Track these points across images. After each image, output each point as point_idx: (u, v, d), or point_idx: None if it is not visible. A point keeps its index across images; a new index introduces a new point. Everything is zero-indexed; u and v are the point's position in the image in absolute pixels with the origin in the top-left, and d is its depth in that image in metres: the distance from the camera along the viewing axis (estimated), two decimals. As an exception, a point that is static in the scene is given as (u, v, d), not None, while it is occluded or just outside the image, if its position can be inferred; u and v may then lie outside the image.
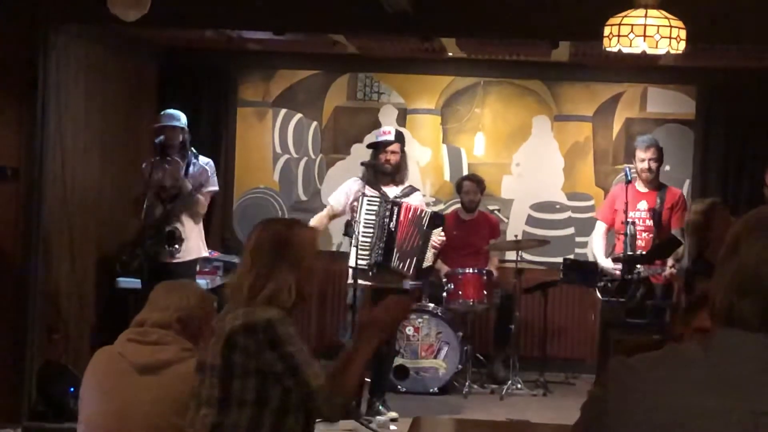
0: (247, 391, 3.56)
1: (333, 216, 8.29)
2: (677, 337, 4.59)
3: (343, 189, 8.27)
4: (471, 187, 9.73)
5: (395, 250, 8.00)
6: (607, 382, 2.01)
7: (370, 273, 7.97)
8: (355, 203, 8.01)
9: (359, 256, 7.84)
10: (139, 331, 4.13)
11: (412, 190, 8.32)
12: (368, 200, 7.96)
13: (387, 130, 8.26)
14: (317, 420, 3.73)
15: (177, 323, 4.10)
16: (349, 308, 8.08)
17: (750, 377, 1.87)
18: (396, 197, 8.13)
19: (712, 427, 1.85)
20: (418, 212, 8.13)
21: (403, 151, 8.25)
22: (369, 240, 7.95)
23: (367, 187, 8.07)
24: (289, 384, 3.54)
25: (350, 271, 8.02)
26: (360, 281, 7.85)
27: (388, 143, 8.14)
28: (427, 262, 8.18)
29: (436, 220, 8.23)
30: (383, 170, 8.09)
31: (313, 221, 8.12)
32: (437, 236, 8.19)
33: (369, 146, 8.39)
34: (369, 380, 8.37)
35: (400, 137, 8.29)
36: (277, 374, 3.54)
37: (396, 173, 8.19)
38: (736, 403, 1.85)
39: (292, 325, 3.60)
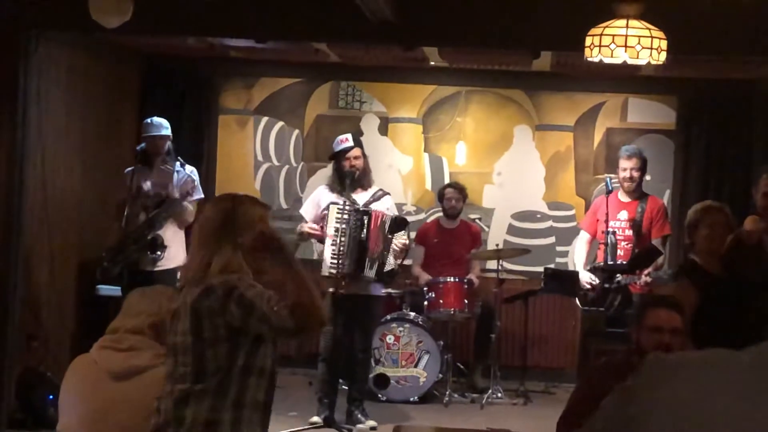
0: (219, 357, 3.60)
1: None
2: (632, 340, 4.59)
3: (313, 200, 8.24)
4: (453, 194, 9.73)
5: (367, 258, 7.99)
6: (641, 376, 1.99)
7: (343, 282, 7.95)
8: (326, 212, 8.00)
9: (331, 265, 7.85)
10: (113, 338, 4.15)
11: (383, 193, 8.30)
12: (338, 209, 7.94)
13: (344, 138, 8.23)
14: (291, 338, 3.81)
15: (149, 329, 4.11)
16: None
17: None
18: (367, 203, 8.12)
19: None
20: (382, 218, 8.10)
21: (364, 155, 8.24)
22: (340, 249, 7.92)
23: (336, 195, 8.06)
24: (254, 322, 3.58)
25: (325, 280, 8.01)
26: (330, 289, 7.84)
27: (349, 149, 8.13)
28: (389, 265, 8.14)
29: (399, 223, 8.19)
30: (352, 177, 8.07)
31: (299, 239, 8.18)
32: (399, 239, 8.17)
33: (331, 158, 8.35)
34: (346, 387, 8.38)
35: (358, 142, 8.28)
36: (243, 320, 3.58)
37: (363, 178, 8.19)
38: (765, 413, 1.84)
39: (250, 281, 3.66)
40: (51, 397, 7.27)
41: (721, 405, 1.87)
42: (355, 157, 8.11)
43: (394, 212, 8.28)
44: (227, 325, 3.60)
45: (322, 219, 8.05)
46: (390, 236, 8.08)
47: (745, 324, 5.46)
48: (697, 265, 6.07)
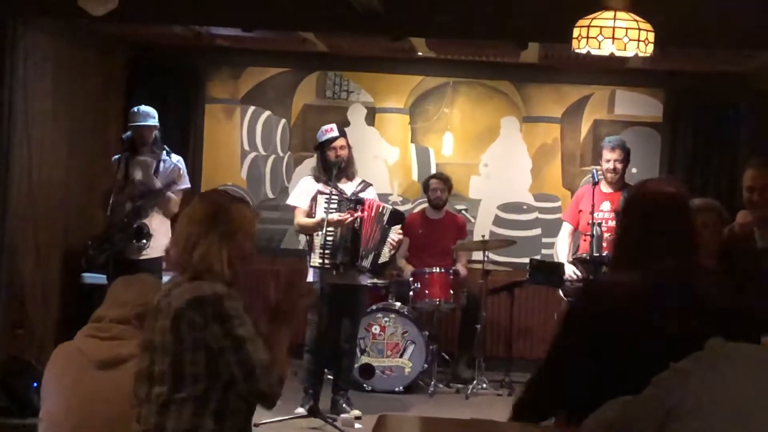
0: (198, 365, 3.54)
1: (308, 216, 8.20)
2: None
3: (302, 189, 8.18)
4: (438, 184, 9.73)
5: (361, 248, 7.99)
6: (698, 358, 1.99)
7: (334, 272, 7.95)
8: (313, 203, 7.98)
9: (325, 256, 7.83)
10: (98, 327, 4.13)
11: (367, 185, 8.29)
12: (327, 199, 7.91)
13: (329, 128, 8.20)
14: (254, 400, 3.68)
15: (135, 319, 4.09)
16: (310, 307, 8.06)
17: None
18: (356, 192, 8.12)
19: None
20: (380, 209, 8.11)
21: (349, 146, 8.22)
22: (333, 239, 7.91)
23: (322, 185, 8.04)
24: (233, 359, 3.52)
25: (311, 270, 8.01)
26: (326, 280, 7.85)
27: (334, 139, 8.11)
28: (384, 258, 8.15)
29: (397, 216, 8.21)
30: (338, 166, 8.05)
31: (305, 230, 8.10)
32: (395, 234, 8.17)
33: (316, 148, 8.31)
34: (331, 378, 8.38)
35: (343, 132, 8.26)
36: (223, 349, 3.52)
37: (348, 168, 8.18)
38: None
39: (239, 300, 3.59)
40: (35, 385, 7.24)
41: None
42: (341, 147, 8.09)
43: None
44: (206, 341, 3.54)
45: (310, 209, 8.02)
46: (388, 227, 8.08)
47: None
48: None
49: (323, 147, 8.12)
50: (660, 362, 3.00)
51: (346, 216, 7.90)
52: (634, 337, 3.25)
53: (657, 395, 2.06)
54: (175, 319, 3.55)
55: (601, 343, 3.29)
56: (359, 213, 7.95)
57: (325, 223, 7.79)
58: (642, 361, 3.17)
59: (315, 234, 7.91)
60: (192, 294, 3.56)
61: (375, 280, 8.96)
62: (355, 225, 7.94)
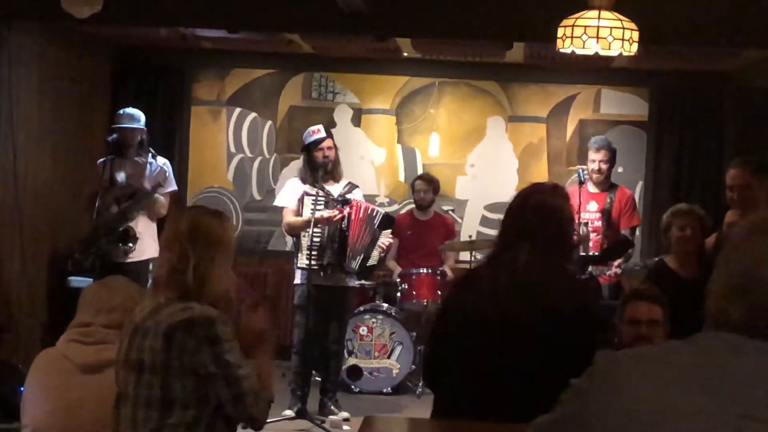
0: (187, 390, 3.51)
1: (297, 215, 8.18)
2: (616, 331, 4.67)
3: (290, 190, 8.18)
4: (422, 185, 9.72)
5: (348, 250, 7.98)
6: (593, 373, 2.00)
7: (322, 273, 7.94)
8: (300, 204, 7.97)
9: (312, 257, 7.82)
10: (83, 332, 4.11)
11: (353, 186, 8.28)
12: (314, 200, 7.91)
13: (316, 129, 8.18)
14: (242, 423, 3.69)
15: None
16: (297, 309, 8.07)
17: (735, 380, 1.88)
18: (343, 194, 8.11)
19: (695, 427, 1.85)
20: (371, 211, 8.11)
21: (335, 147, 8.21)
22: (319, 239, 7.90)
23: (308, 186, 8.03)
24: (221, 385, 3.50)
25: (298, 272, 8.00)
26: (313, 282, 7.84)
27: (322, 140, 8.10)
28: (373, 260, 8.15)
29: (388, 221, 8.22)
30: (325, 168, 8.04)
31: (295, 230, 8.08)
32: (386, 238, 8.17)
33: (303, 149, 8.30)
34: (319, 379, 8.37)
35: (330, 133, 8.25)
36: (211, 375, 3.50)
37: (335, 169, 8.17)
38: (721, 405, 1.86)
39: (229, 324, 3.56)
40: (21, 389, 7.22)
41: (676, 397, 1.88)
42: (328, 148, 8.08)
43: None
44: (193, 366, 3.51)
45: (296, 210, 8.02)
46: (379, 231, 8.08)
47: None
48: (668, 269, 6.19)
49: (310, 148, 8.10)
50: (479, 344, 3.74)
51: (335, 213, 7.89)
52: (457, 318, 3.85)
53: (564, 416, 2.08)
54: (166, 340, 3.50)
55: (443, 323, 3.94)
56: (348, 209, 7.95)
57: (313, 222, 7.78)
58: (464, 341, 3.82)
59: (302, 234, 7.90)
60: (183, 315, 3.52)
61: (363, 282, 8.95)
62: (342, 225, 7.93)
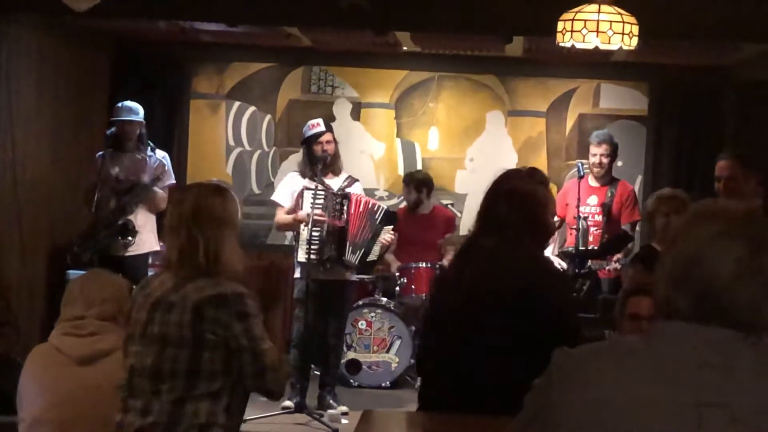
0: (216, 363, 3.58)
1: (290, 213, 8.19)
2: (617, 326, 4.70)
3: (286, 185, 8.18)
4: (403, 188, 9.68)
5: (348, 243, 7.98)
6: (551, 372, 2.01)
7: (321, 268, 7.94)
8: (300, 199, 7.97)
9: (311, 251, 7.82)
10: (76, 325, 4.13)
11: (353, 180, 8.27)
12: (314, 194, 7.90)
13: (316, 122, 8.18)
14: (262, 395, 3.82)
15: (118, 315, 4.08)
16: (297, 303, 8.06)
17: (690, 368, 1.89)
18: (341, 189, 8.10)
19: (655, 418, 1.86)
20: (372, 205, 8.11)
21: (335, 141, 8.20)
22: (319, 234, 7.90)
23: (308, 180, 8.03)
24: (248, 358, 3.59)
25: (297, 266, 8.00)
26: (313, 276, 7.84)
27: (321, 134, 8.09)
28: (373, 255, 8.15)
29: (390, 217, 8.22)
30: (324, 161, 8.03)
31: (283, 228, 8.12)
32: (388, 234, 8.17)
33: (302, 143, 8.29)
34: (318, 373, 8.37)
35: (329, 127, 8.24)
36: (241, 348, 3.58)
37: (335, 163, 8.17)
38: (679, 395, 1.87)
39: (255, 300, 3.65)
40: (21, 383, 7.23)
41: (634, 388, 1.89)
42: (327, 142, 8.08)
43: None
44: (226, 339, 3.59)
45: (296, 205, 8.01)
46: (380, 226, 8.08)
47: None
48: (656, 252, 6.19)
49: (310, 142, 8.10)
50: (444, 336, 3.87)
51: (324, 217, 7.86)
52: (431, 310, 4.08)
53: (529, 415, 2.09)
54: (196, 314, 3.55)
55: (425, 317, 4.16)
56: (345, 217, 7.94)
57: (311, 219, 7.77)
58: (433, 334, 3.96)
59: (301, 229, 7.90)
60: (214, 290, 3.59)
61: (361, 275, 8.95)
62: (342, 219, 7.93)
